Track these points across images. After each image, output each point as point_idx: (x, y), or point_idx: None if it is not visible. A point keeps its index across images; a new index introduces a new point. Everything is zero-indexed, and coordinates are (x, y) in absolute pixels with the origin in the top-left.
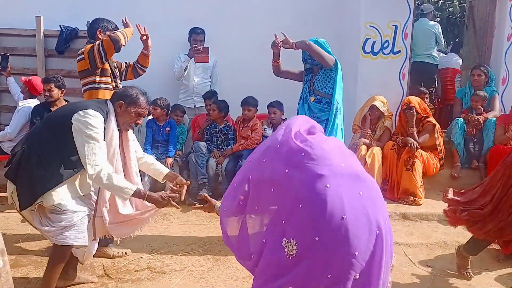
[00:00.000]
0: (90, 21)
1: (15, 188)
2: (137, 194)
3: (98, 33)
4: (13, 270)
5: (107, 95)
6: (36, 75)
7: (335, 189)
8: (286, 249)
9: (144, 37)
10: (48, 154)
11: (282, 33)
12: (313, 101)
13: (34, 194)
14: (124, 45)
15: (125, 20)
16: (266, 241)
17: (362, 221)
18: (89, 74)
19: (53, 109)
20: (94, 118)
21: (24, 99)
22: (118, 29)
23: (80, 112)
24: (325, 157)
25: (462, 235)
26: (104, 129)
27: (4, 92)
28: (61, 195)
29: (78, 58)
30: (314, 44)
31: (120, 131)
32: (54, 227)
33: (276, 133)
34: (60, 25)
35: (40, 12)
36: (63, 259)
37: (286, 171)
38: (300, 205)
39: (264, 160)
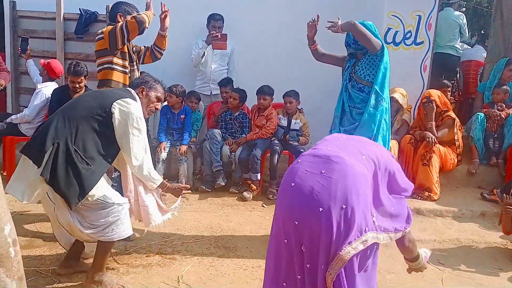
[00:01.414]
0: (111, 5)
1: (53, 188)
2: (161, 184)
3: (118, 16)
4: (28, 250)
5: (121, 77)
6: (55, 58)
7: (301, 164)
8: None
9: (163, 15)
10: (88, 147)
11: (338, 18)
12: (351, 90)
13: (84, 189)
14: (147, 27)
15: (149, 2)
16: None
17: (304, 192)
18: (106, 54)
19: (72, 94)
20: (135, 107)
21: (43, 82)
22: (139, 12)
23: (119, 101)
24: (318, 143)
25: (476, 233)
26: None
27: (24, 74)
28: (103, 187)
29: (97, 37)
30: (360, 25)
31: None
32: (98, 225)
33: None
34: (79, 9)
35: None
36: (109, 251)
37: None
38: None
39: None
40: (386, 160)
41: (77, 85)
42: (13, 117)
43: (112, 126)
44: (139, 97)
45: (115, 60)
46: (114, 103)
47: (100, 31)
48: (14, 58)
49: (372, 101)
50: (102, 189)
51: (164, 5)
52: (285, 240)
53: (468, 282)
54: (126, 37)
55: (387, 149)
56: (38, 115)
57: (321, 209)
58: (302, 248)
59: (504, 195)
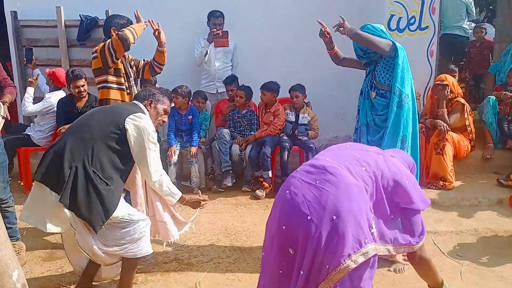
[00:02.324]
0: (105, 19)
1: (74, 213)
2: (181, 199)
3: (112, 31)
4: (49, 263)
5: (119, 95)
6: (61, 65)
7: (299, 173)
8: None
9: (156, 33)
10: (105, 167)
11: (340, 16)
12: (374, 97)
13: (108, 211)
14: (133, 43)
15: (137, 14)
16: None
17: (296, 200)
18: (102, 73)
19: (77, 103)
20: (147, 121)
21: (50, 91)
22: (132, 23)
23: (131, 116)
24: (320, 153)
25: (495, 221)
26: None
27: None
28: (124, 206)
29: (92, 56)
30: (362, 33)
31: None
32: (124, 243)
33: None
34: (80, 15)
35: (59, 2)
36: (136, 267)
37: None
38: None
39: None
40: (395, 171)
41: (82, 89)
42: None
43: (127, 143)
44: (148, 110)
45: (110, 78)
46: (127, 119)
47: (94, 50)
48: (20, 68)
49: (396, 99)
50: (124, 208)
51: (153, 22)
52: (274, 245)
53: (489, 275)
54: (114, 56)
55: (416, 151)
56: (47, 121)
57: (309, 218)
58: (291, 251)
59: None
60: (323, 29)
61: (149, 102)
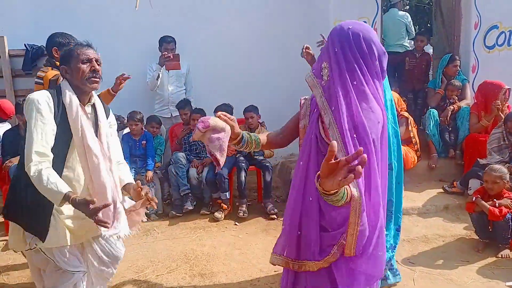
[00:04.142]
0: (47, 38)
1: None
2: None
3: (53, 51)
4: None
5: None
6: (5, 96)
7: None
8: None
9: (119, 81)
10: None
11: (321, 35)
12: None
13: None
14: None
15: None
16: None
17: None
18: None
19: (23, 133)
20: (39, 93)
21: None
22: (74, 42)
23: None
24: None
25: (442, 227)
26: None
27: None
28: None
29: (36, 79)
30: None
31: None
32: None
33: None
34: (25, 44)
35: (2, 32)
36: None
37: None
38: None
39: None
40: None
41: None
42: None
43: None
44: (67, 78)
45: None
46: None
47: (39, 74)
48: None
49: None
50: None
51: (123, 77)
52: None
53: (439, 279)
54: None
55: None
56: None
57: None
58: None
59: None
60: (304, 49)
61: (64, 70)
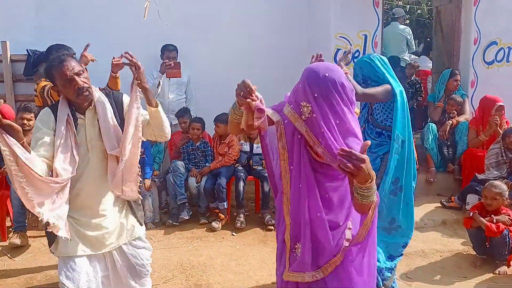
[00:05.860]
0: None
1: None
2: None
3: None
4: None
5: None
6: (5, 101)
7: None
8: None
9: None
10: None
11: (349, 50)
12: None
13: None
14: None
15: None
16: None
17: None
18: None
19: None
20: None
21: None
22: (73, 54)
23: None
24: None
25: (440, 241)
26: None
27: None
28: None
29: (34, 93)
30: (365, 91)
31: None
32: None
33: None
34: (27, 49)
35: (5, 37)
36: None
37: None
38: None
39: None
40: None
41: (26, 122)
42: None
43: None
44: (61, 95)
45: None
46: None
47: (35, 87)
48: None
49: (395, 145)
50: None
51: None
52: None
53: None
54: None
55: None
56: None
57: None
58: None
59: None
60: (313, 59)
61: (54, 89)
